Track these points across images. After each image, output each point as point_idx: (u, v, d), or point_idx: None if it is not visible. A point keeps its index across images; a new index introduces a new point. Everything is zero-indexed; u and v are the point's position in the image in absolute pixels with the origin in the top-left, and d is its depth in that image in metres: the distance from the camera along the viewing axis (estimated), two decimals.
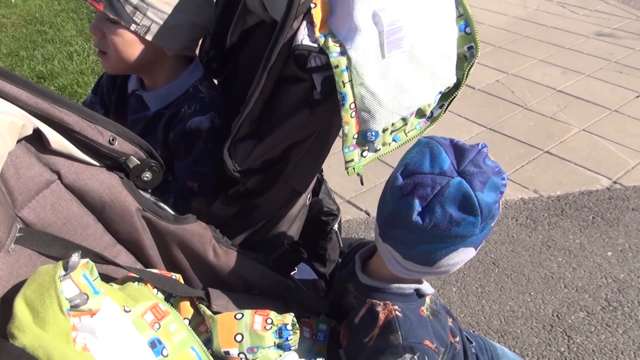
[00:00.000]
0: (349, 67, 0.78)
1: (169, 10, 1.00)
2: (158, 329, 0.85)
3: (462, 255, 0.87)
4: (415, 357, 0.85)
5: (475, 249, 0.89)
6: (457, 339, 1.09)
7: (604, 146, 2.97)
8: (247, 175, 0.93)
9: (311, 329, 1.04)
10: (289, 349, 0.92)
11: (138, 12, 0.97)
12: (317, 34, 0.79)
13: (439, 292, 2.11)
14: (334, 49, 0.78)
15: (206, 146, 1.04)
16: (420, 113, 0.90)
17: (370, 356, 0.88)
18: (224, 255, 0.99)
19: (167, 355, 0.83)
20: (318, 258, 1.25)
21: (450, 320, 1.16)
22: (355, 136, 0.85)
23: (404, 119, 0.87)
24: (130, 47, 1.02)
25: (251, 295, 1.01)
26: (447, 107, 0.93)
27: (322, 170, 1.22)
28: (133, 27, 0.99)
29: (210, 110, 1.06)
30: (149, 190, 0.93)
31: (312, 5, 0.80)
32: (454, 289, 2.12)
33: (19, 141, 0.75)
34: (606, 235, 2.39)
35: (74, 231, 0.84)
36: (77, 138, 0.80)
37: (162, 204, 0.94)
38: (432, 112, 0.92)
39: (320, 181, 1.24)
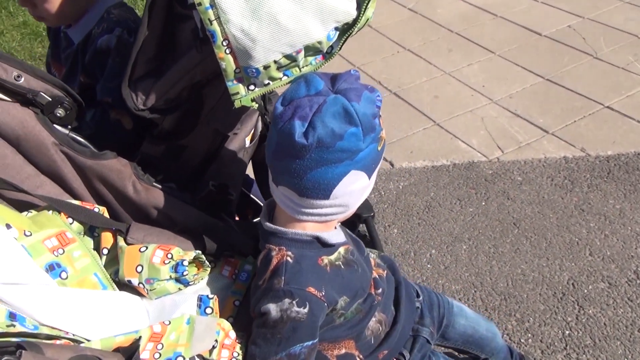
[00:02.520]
0: (212, 5, 0.75)
1: None
2: (61, 254, 0.92)
3: (356, 182, 0.86)
4: (294, 302, 0.85)
5: (369, 176, 0.88)
6: (380, 290, 1.06)
7: None
8: (154, 114, 0.94)
9: (233, 268, 1.07)
10: (187, 284, 0.96)
11: None
12: None
13: (447, 248, 2.04)
14: None
15: (114, 61, 1.08)
16: (312, 50, 0.85)
17: (258, 299, 0.90)
18: (144, 192, 1.03)
19: (66, 278, 0.91)
20: None
21: (383, 272, 1.13)
22: (237, 71, 0.83)
23: (289, 57, 0.83)
24: (61, 3, 1.09)
25: (175, 231, 1.05)
26: (343, 43, 0.87)
27: (267, 113, 1.20)
28: None
29: (117, 27, 1.10)
30: (69, 126, 0.98)
31: None
32: (465, 247, 2.04)
33: None
34: None
35: None
36: None
37: (81, 139, 0.99)
38: (331, 47, 0.87)
39: (267, 125, 1.23)
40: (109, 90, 1.11)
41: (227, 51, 0.81)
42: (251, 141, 1.19)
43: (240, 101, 0.88)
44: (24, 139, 0.93)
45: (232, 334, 0.93)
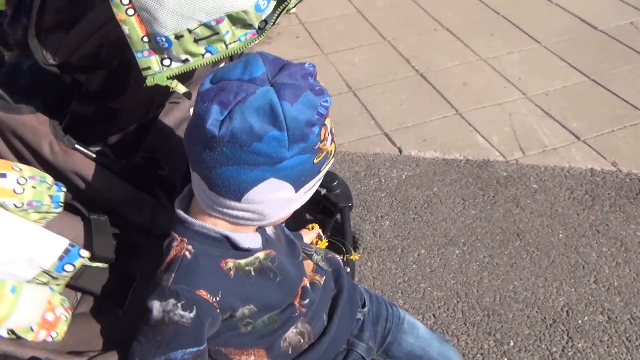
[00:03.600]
0: None
1: None
2: None
3: (277, 192, 0.74)
4: (179, 304, 0.75)
5: (296, 189, 0.75)
6: (306, 301, 0.95)
7: None
8: (67, 71, 0.84)
9: None
10: None
11: None
12: None
13: (439, 250, 1.88)
14: None
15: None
16: (239, 22, 0.71)
17: (149, 291, 0.80)
18: (61, 154, 0.93)
19: None
20: None
21: (321, 278, 1.01)
22: (146, 40, 0.71)
23: (208, 27, 0.70)
24: None
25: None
26: (278, 16, 0.73)
27: None
28: None
29: None
30: None
31: None
32: (457, 252, 1.88)
33: None
34: None
35: None
36: None
37: None
38: (265, 22, 0.73)
39: None
40: None
41: (129, 12, 0.68)
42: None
43: (154, 78, 0.75)
44: None
45: (58, 311, 0.83)
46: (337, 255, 1.18)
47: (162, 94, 0.97)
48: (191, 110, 1.06)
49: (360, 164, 2.23)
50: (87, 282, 0.97)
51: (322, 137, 0.73)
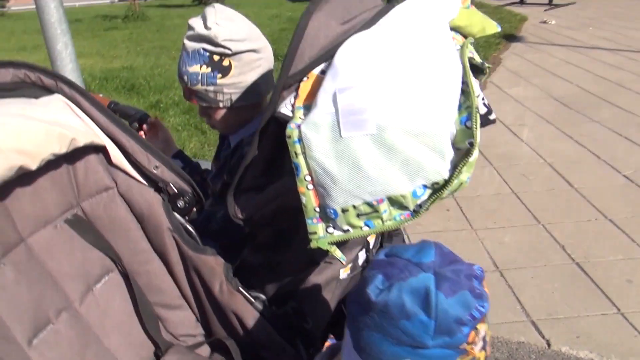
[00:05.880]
0: (300, 139, 0.79)
1: (237, 80, 1.21)
2: None
3: None
4: None
5: None
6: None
7: None
8: (249, 225, 1.00)
9: None
10: None
11: (218, 94, 1.22)
12: (297, 104, 0.83)
13: None
14: (297, 120, 0.80)
15: None
16: (396, 203, 0.81)
17: None
18: (227, 294, 1.07)
19: None
20: None
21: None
22: (317, 209, 0.84)
23: (369, 205, 0.81)
24: (228, 116, 1.28)
25: None
26: (432, 203, 0.81)
27: (368, 247, 1.16)
28: (221, 104, 1.25)
29: None
30: (186, 217, 1.10)
31: (305, 79, 0.85)
32: None
33: (91, 151, 1.03)
34: None
35: (115, 230, 1.07)
36: (131, 159, 1.04)
37: (192, 231, 1.10)
38: (419, 206, 0.82)
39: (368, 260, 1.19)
40: None
41: (309, 187, 0.83)
42: (351, 272, 1.16)
43: (317, 242, 0.87)
44: (147, 219, 1.08)
45: None
46: None
47: (320, 255, 1.08)
48: (341, 270, 1.16)
49: (502, 350, 2.08)
50: None
51: (470, 340, 0.72)
